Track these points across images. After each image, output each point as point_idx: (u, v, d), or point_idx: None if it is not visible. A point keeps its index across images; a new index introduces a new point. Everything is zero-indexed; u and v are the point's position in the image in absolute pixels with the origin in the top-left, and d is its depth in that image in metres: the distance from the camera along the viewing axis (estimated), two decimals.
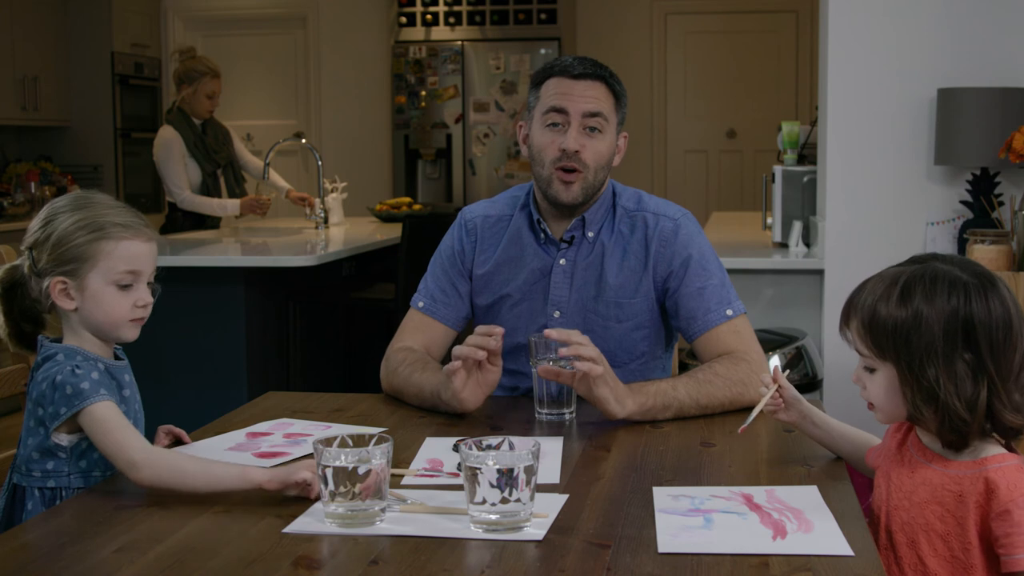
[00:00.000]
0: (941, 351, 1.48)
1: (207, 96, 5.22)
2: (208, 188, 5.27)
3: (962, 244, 3.47)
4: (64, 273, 1.71)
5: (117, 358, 1.81)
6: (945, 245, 3.57)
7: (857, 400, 1.68)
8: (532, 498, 1.45)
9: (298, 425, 2.01)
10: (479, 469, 1.43)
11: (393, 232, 5.00)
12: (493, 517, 1.43)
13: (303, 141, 5.97)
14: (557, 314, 2.22)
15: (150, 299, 1.77)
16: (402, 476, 1.69)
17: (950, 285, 1.50)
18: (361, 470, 1.46)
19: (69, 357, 1.70)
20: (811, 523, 1.46)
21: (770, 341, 3.57)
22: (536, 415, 2.03)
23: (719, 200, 7.87)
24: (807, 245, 3.92)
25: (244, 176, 5.53)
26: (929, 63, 3.56)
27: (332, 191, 5.52)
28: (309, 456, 1.70)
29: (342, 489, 1.46)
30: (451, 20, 7.73)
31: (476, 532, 1.43)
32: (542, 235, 2.24)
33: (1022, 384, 1.50)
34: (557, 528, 1.46)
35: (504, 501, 1.42)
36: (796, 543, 1.40)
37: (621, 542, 1.41)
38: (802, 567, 1.32)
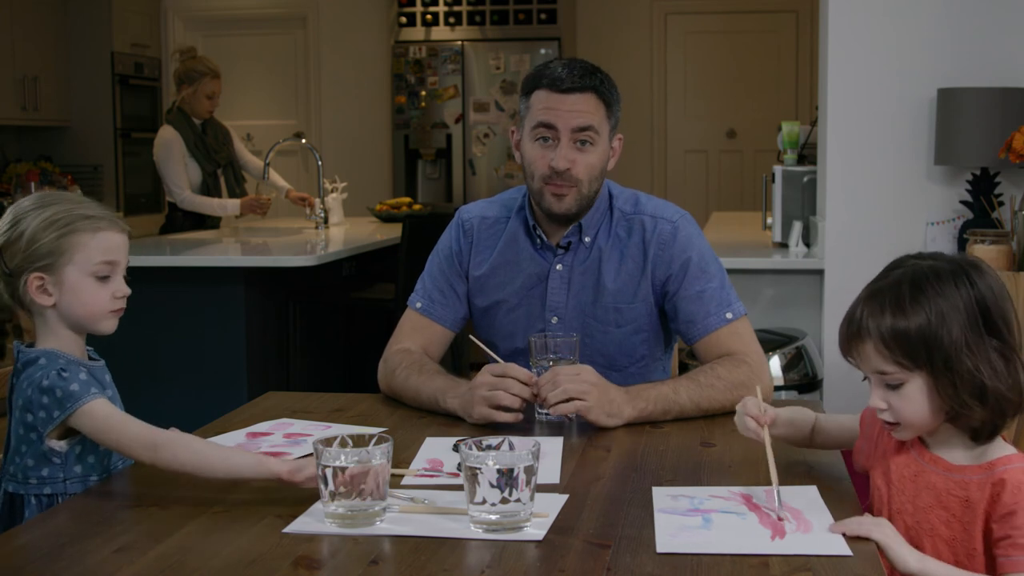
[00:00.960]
0: (971, 340, 1.47)
1: (207, 96, 5.22)
2: (208, 188, 5.27)
3: (962, 244, 3.47)
4: (40, 269, 1.70)
5: (91, 359, 1.80)
6: (945, 245, 3.57)
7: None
8: (532, 498, 1.45)
9: (298, 425, 2.01)
10: (479, 469, 1.43)
11: (393, 232, 5.00)
12: (493, 517, 1.43)
13: (303, 141, 5.97)
14: (555, 319, 2.21)
15: (127, 290, 1.77)
16: (402, 476, 1.69)
17: (951, 276, 1.49)
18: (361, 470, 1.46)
19: (52, 361, 1.69)
20: (810, 523, 1.46)
21: (770, 341, 3.57)
22: (536, 415, 2.03)
23: (719, 200, 7.87)
24: (807, 245, 3.92)
25: (244, 176, 5.53)
26: (929, 63, 3.56)
27: (332, 191, 5.52)
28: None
29: (342, 489, 1.46)
30: (451, 20, 7.73)
31: (476, 532, 1.43)
32: (538, 241, 2.23)
33: None
34: (557, 528, 1.46)
35: (504, 501, 1.42)
36: (795, 543, 1.40)
37: (621, 542, 1.41)
38: (802, 567, 1.32)
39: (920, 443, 1.57)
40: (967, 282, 1.49)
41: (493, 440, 1.49)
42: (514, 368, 1.96)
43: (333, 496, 1.47)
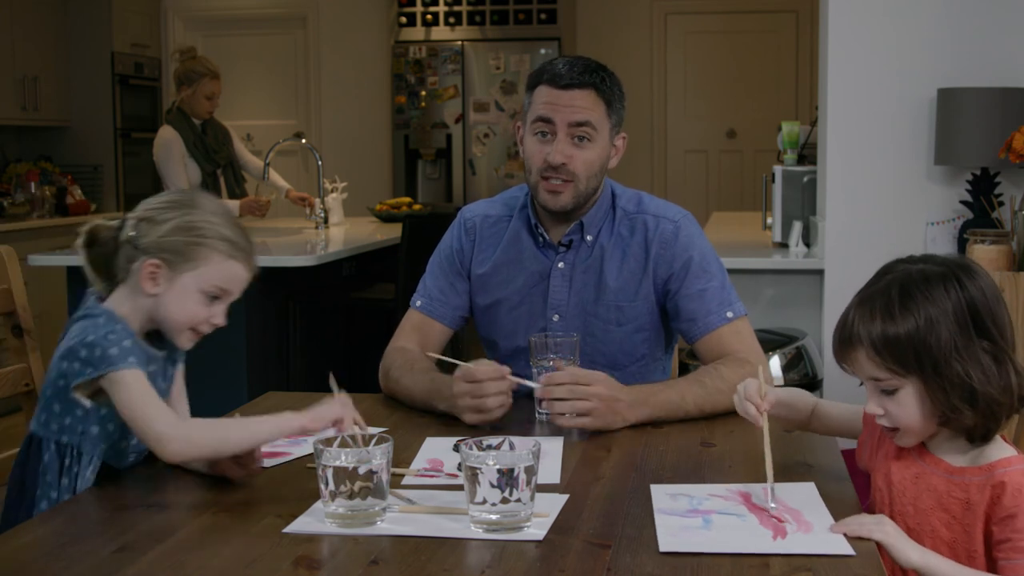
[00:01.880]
0: (960, 344, 1.47)
1: (206, 97, 5.22)
2: (208, 188, 5.26)
3: (962, 244, 3.47)
4: (164, 260, 1.70)
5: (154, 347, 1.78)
6: (945, 245, 3.57)
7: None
8: (532, 498, 1.45)
9: None
10: (479, 469, 1.43)
11: (393, 232, 5.00)
12: (493, 517, 1.43)
13: (303, 141, 5.97)
14: (556, 317, 2.21)
15: (223, 322, 1.77)
16: (402, 476, 1.69)
17: (940, 279, 1.49)
18: (361, 470, 1.46)
19: (108, 322, 1.68)
20: (810, 524, 1.46)
21: (770, 341, 3.57)
22: (536, 415, 2.03)
23: (719, 200, 7.87)
24: (807, 245, 3.92)
25: (244, 176, 5.53)
26: (929, 63, 3.56)
27: (332, 191, 5.52)
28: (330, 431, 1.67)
29: (342, 489, 1.46)
30: (451, 20, 7.73)
31: (476, 532, 1.43)
32: (540, 239, 2.23)
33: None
34: (557, 528, 1.46)
35: (504, 501, 1.42)
36: (796, 543, 1.40)
37: (621, 542, 1.41)
38: (802, 567, 1.32)
39: (921, 445, 1.57)
40: (956, 285, 1.49)
41: (493, 440, 1.49)
42: (482, 369, 1.95)
43: (333, 496, 1.47)
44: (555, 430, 1.95)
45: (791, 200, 3.99)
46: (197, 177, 5.23)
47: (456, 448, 1.77)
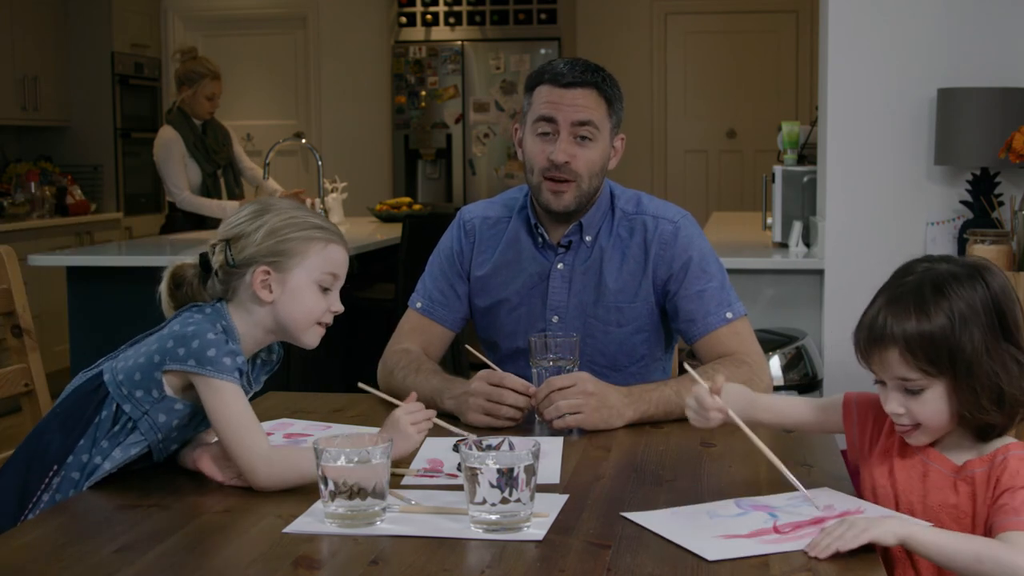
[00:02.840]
0: (990, 344, 1.48)
1: (207, 97, 5.22)
2: (208, 189, 5.27)
3: (962, 244, 3.47)
4: (270, 264, 1.71)
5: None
6: (945, 245, 3.57)
7: None
8: (532, 498, 1.45)
9: (298, 425, 2.01)
10: (479, 469, 1.43)
11: (393, 232, 5.00)
12: (493, 517, 1.43)
13: (303, 141, 5.97)
14: (556, 319, 2.21)
15: (341, 307, 1.78)
16: (402, 476, 1.69)
17: (968, 278, 1.50)
18: (361, 470, 1.46)
19: (231, 331, 1.68)
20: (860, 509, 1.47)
21: (770, 341, 3.57)
22: (537, 420, 2.02)
23: (719, 200, 7.87)
24: (807, 245, 3.91)
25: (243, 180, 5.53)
26: (929, 63, 3.56)
27: (332, 191, 5.52)
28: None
29: (342, 489, 1.46)
30: (451, 20, 7.73)
31: (476, 532, 1.43)
32: (540, 239, 2.23)
33: None
34: (557, 528, 1.46)
35: (504, 501, 1.42)
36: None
37: (621, 542, 1.41)
38: (802, 567, 1.32)
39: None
40: (984, 284, 1.49)
41: (493, 440, 1.49)
42: (510, 378, 1.97)
43: (333, 496, 1.47)
44: (555, 430, 1.95)
45: (791, 200, 3.99)
46: (197, 178, 5.23)
47: (456, 448, 1.77)
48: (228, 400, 1.63)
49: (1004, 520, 1.43)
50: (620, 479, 1.68)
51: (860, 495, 1.61)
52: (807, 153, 4.16)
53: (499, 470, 1.42)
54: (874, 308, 1.54)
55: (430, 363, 2.18)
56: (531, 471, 1.44)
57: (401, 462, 1.75)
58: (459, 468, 1.60)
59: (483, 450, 1.48)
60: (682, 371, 2.36)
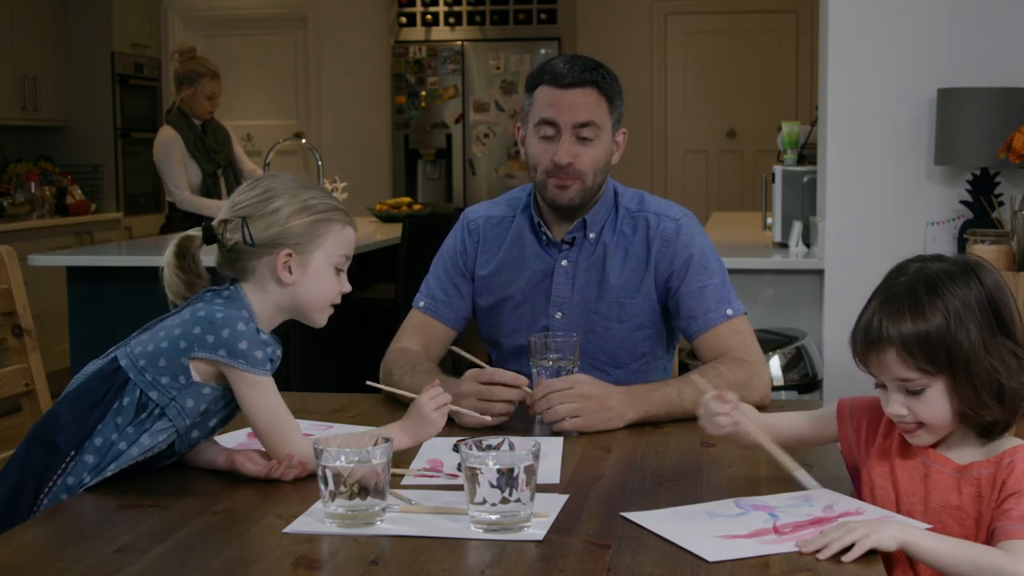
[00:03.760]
0: (987, 339, 1.48)
1: (207, 97, 5.21)
2: (208, 189, 5.27)
3: (962, 244, 3.47)
4: (292, 247, 1.71)
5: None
6: (945, 245, 3.57)
7: None
8: (532, 498, 1.45)
9: (299, 425, 2.00)
10: (479, 469, 1.43)
11: (393, 232, 5.00)
12: (493, 517, 1.43)
13: (303, 141, 5.96)
14: (559, 315, 2.22)
15: (349, 287, 1.79)
16: (402, 476, 1.69)
17: (961, 276, 1.50)
18: (361, 470, 1.46)
19: (247, 321, 1.68)
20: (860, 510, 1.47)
21: (770, 341, 3.57)
22: (537, 421, 2.02)
23: (719, 200, 7.87)
24: (807, 245, 3.91)
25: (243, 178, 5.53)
26: (929, 63, 3.56)
27: (332, 191, 5.52)
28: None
29: (342, 489, 1.46)
30: (451, 20, 7.73)
31: (476, 532, 1.43)
32: (543, 237, 2.24)
33: None
34: (557, 528, 1.46)
35: (504, 501, 1.42)
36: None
37: (621, 542, 1.41)
38: (802, 567, 1.32)
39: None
40: (976, 281, 1.50)
41: (493, 440, 1.49)
42: (500, 373, 1.97)
43: (333, 496, 1.47)
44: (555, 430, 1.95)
45: (791, 200, 3.99)
46: (197, 177, 5.23)
47: (456, 448, 1.77)
48: (263, 395, 1.67)
49: (1007, 527, 1.43)
50: (620, 479, 1.68)
51: (859, 496, 1.61)
52: (807, 153, 4.16)
53: (499, 470, 1.42)
54: (869, 311, 1.54)
55: (427, 362, 2.18)
56: (531, 471, 1.44)
57: (401, 462, 1.75)
58: (459, 468, 1.60)
59: (483, 450, 1.48)
60: (683, 372, 2.36)
